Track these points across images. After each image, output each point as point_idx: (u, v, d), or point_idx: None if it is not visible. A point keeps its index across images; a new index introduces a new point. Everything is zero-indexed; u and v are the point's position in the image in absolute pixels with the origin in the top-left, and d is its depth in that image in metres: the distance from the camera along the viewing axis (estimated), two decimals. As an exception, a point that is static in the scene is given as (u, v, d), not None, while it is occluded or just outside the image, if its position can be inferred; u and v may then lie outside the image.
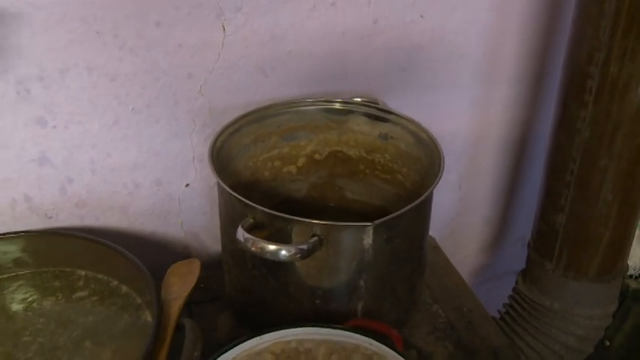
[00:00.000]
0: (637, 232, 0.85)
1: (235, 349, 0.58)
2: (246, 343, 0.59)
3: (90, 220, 0.75)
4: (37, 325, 0.64)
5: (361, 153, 0.76)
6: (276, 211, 0.57)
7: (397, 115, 0.71)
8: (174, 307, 0.61)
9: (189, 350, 0.56)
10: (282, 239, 0.56)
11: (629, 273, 0.95)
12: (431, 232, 0.72)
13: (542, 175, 0.84)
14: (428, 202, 0.65)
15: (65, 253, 0.69)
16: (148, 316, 0.63)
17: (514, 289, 0.93)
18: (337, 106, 0.73)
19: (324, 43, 0.74)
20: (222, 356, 0.58)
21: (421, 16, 0.77)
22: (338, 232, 0.58)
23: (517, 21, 0.83)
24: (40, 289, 0.68)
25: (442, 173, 0.62)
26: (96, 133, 0.70)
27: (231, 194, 0.59)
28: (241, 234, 0.55)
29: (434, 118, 0.76)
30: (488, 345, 0.70)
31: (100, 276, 0.69)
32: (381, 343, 0.59)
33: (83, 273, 0.69)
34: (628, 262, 0.87)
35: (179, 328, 0.59)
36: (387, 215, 0.57)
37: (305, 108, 0.73)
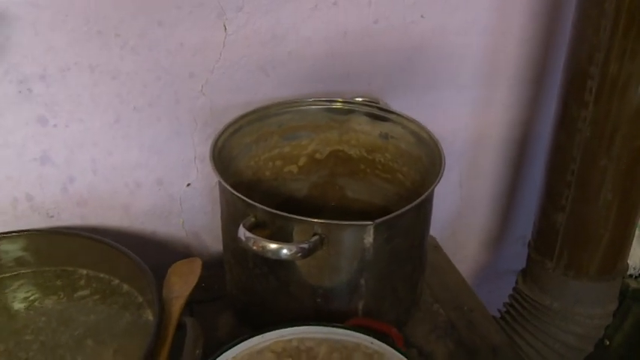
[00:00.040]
0: (637, 232, 0.85)
1: (236, 347, 0.58)
2: (247, 341, 0.59)
3: (91, 220, 0.75)
4: (39, 324, 0.64)
5: (362, 152, 0.76)
6: (278, 210, 0.57)
7: (398, 114, 0.71)
8: (176, 306, 0.61)
9: (191, 349, 0.57)
10: (284, 238, 0.57)
11: (629, 272, 0.95)
12: (431, 232, 0.72)
13: (543, 175, 0.84)
14: (428, 201, 0.65)
15: (67, 252, 0.69)
16: (149, 315, 0.64)
17: (514, 289, 0.93)
18: (338, 105, 0.74)
19: (325, 43, 0.75)
20: (223, 355, 0.58)
21: (422, 17, 0.77)
22: (339, 231, 0.58)
23: (517, 21, 0.83)
24: (41, 288, 0.68)
25: (443, 173, 0.62)
26: (97, 132, 0.70)
27: (232, 193, 0.59)
28: (243, 233, 0.55)
29: (434, 118, 0.77)
30: (488, 344, 0.70)
31: (101, 275, 0.69)
32: (382, 341, 0.59)
33: (85, 272, 0.69)
34: (628, 261, 0.88)
35: (180, 326, 0.59)
36: (387, 214, 0.57)
37: (306, 107, 0.73)
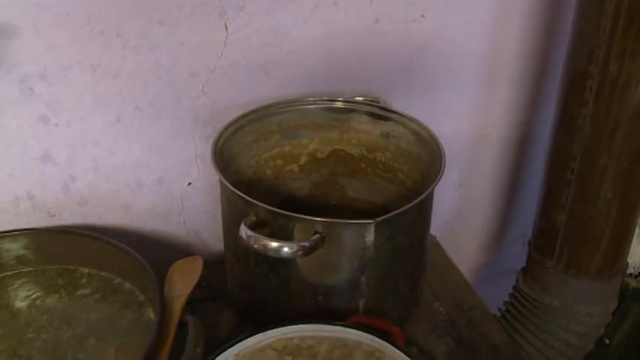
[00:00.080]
0: (637, 231, 0.85)
1: (238, 345, 0.58)
2: (248, 339, 0.59)
3: (92, 218, 0.76)
4: (41, 322, 0.64)
5: (363, 152, 0.76)
6: (278, 209, 0.58)
7: (399, 114, 0.72)
8: (177, 305, 0.61)
9: (192, 347, 0.57)
10: (285, 237, 0.57)
11: (628, 271, 0.95)
12: (432, 231, 0.72)
13: (543, 174, 0.85)
14: (429, 200, 0.65)
15: (68, 251, 0.69)
16: (150, 314, 0.64)
17: (514, 287, 0.93)
18: (339, 105, 0.74)
19: (325, 43, 0.75)
20: (224, 352, 0.58)
21: (422, 16, 0.77)
22: (340, 229, 0.58)
23: (518, 21, 0.83)
24: (43, 287, 0.68)
25: (443, 172, 0.62)
26: (98, 131, 0.70)
27: (234, 192, 0.59)
28: (244, 231, 0.56)
29: (435, 117, 0.77)
30: (488, 342, 0.71)
31: (103, 273, 0.69)
32: (383, 340, 0.59)
33: (86, 270, 0.69)
34: (628, 260, 0.88)
35: (182, 325, 0.60)
36: (388, 214, 0.58)
37: (307, 107, 0.73)
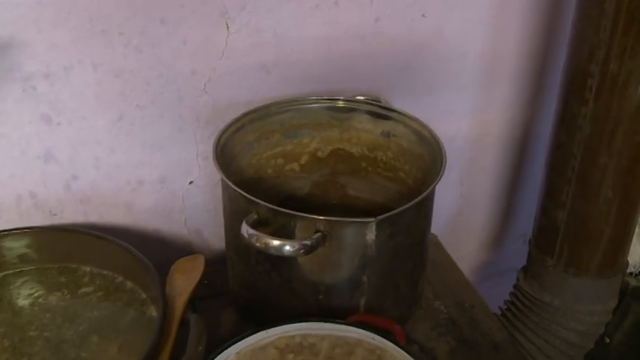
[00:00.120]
0: (637, 229, 0.85)
1: (240, 343, 0.59)
2: (250, 337, 0.59)
3: (94, 217, 0.76)
4: (44, 320, 0.64)
5: (363, 151, 0.76)
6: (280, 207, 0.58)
7: (399, 113, 0.72)
8: (179, 302, 0.61)
9: (194, 345, 0.57)
10: (286, 235, 0.57)
11: (628, 270, 0.95)
12: (433, 230, 0.72)
13: (543, 172, 0.85)
14: (430, 199, 0.66)
15: (70, 249, 0.69)
16: (152, 312, 0.64)
17: (515, 286, 0.93)
18: (340, 104, 0.74)
19: (326, 42, 0.75)
20: (226, 350, 0.58)
21: (423, 15, 0.77)
22: (341, 227, 0.58)
23: (518, 20, 0.83)
24: (45, 285, 0.68)
25: (444, 170, 0.62)
26: (100, 130, 0.70)
27: (235, 190, 0.59)
28: (245, 230, 0.56)
29: (435, 116, 0.77)
30: (489, 340, 0.71)
31: (104, 272, 0.69)
32: (384, 338, 0.60)
33: (88, 269, 0.69)
34: (628, 259, 0.88)
35: (184, 323, 0.60)
36: (389, 212, 0.58)
37: (308, 106, 0.74)
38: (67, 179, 0.72)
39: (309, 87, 0.77)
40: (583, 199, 0.79)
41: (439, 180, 0.61)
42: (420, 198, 0.60)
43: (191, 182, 0.78)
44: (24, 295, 0.67)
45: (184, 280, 0.65)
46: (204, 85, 0.72)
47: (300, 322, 0.61)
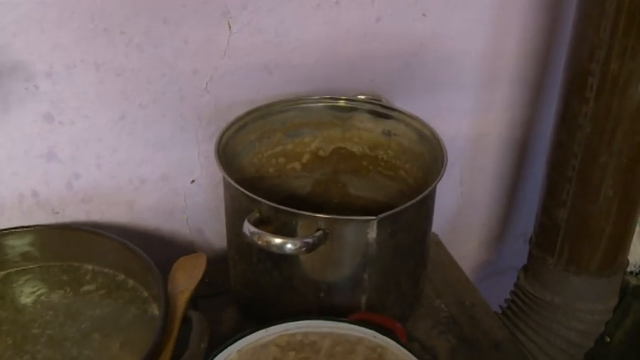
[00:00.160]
0: (637, 228, 0.85)
1: (241, 341, 0.59)
2: (251, 335, 0.60)
3: (96, 216, 0.76)
4: (46, 318, 0.64)
5: (365, 150, 0.76)
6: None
7: (400, 112, 0.72)
8: (181, 301, 0.61)
9: (196, 342, 0.57)
10: (288, 233, 0.57)
11: (629, 269, 0.95)
12: (433, 229, 0.72)
13: (544, 171, 0.85)
14: (431, 197, 0.66)
15: (73, 248, 0.69)
16: (154, 310, 0.64)
17: (516, 285, 0.94)
18: (341, 103, 0.74)
19: (327, 42, 0.75)
20: (228, 348, 0.58)
21: (424, 15, 0.78)
22: (342, 226, 0.59)
23: (519, 19, 0.83)
24: (48, 283, 0.68)
25: (445, 169, 0.62)
26: (102, 129, 0.71)
27: (237, 189, 0.60)
28: (247, 228, 0.56)
29: (436, 116, 0.77)
30: (490, 339, 0.71)
31: (107, 270, 0.69)
32: (385, 336, 0.60)
33: (90, 267, 0.70)
34: (628, 258, 0.88)
35: (185, 320, 0.60)
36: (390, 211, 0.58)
37: (309, 105, 0.74)
38: (69, 178, 0.72)
39: (311, 86, 0.77)
40: (584, 198, 0.79)
41: (440, 179, 0.61)
42: (420, 197, 0.60)
43: (193, 181, 0.78)
44: (26, 293, 0.67)
45: (186, 279, 0.65)
46: (206, 84, 0.72)
47: (302, 320, 0.61)
